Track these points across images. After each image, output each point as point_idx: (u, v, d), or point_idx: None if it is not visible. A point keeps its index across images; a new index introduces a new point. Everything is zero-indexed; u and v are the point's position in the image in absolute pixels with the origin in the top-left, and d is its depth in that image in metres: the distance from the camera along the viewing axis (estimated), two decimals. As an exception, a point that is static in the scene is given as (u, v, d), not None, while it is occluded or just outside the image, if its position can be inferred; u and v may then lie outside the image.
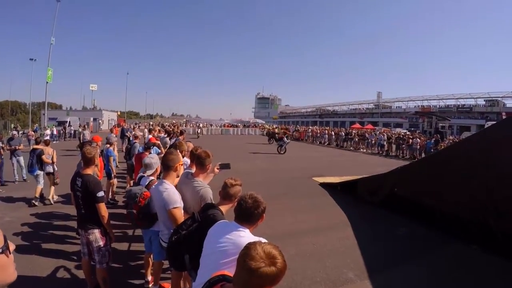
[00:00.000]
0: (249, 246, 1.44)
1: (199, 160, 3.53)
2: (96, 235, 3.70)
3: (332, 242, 6.11)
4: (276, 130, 31.67)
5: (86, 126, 30.11)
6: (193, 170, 3.80)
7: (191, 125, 56.16)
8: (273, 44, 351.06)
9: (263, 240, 1.85)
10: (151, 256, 4.25)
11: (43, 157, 7.90)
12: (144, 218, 3.70)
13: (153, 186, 3.36)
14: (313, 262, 5.16)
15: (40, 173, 8.10)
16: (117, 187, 8.78)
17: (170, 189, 3.21)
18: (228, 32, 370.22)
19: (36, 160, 7.97)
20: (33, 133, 21.90)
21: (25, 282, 3.96)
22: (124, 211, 7.20)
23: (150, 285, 4.24)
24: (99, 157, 7.05)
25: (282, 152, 21.11)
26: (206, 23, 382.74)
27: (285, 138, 21.71)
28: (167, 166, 3.36)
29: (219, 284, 1.60)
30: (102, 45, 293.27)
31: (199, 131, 40.94)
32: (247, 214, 2.20)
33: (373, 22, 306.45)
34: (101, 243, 3.72)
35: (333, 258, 5.40)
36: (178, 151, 3.69)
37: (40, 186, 8.04)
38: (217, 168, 4.19)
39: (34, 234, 5.96)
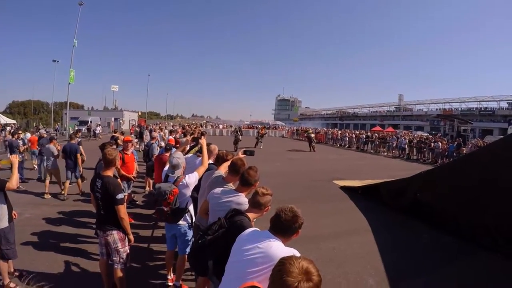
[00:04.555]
0: (285, 261, 1.41)
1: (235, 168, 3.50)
2: (114, 236, 3.70)
3: (353, 247, 5.98)
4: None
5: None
6: (222, 172, 3.81)
7: (211, 125, 56.65)
8: (294, 47, 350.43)
9: (297, 254, 1.79)
10: (173, 253, 4.27)
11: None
12: (173, 213, 3.77)
13: (230, 198, 3.15)
14: (333, 268, 5.04)
15: None
16: (135, 187, 8.83)
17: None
18: (249, 35, 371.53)
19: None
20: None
21: (42, 278, 3.99)
22: (143, 211, 7.36)
23: (171, 283, 4.25)
24: (134, 156, 7.44)
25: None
26: (227, 25, 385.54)
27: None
28: (247, 183, 3.17)
29: None
30: (124, 47, 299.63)
31: (239, 136, 24.68)
32: (285, 227, 2.12)
33: (395, 28, 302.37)
34: (120, 244, 3.72)
35: (353, 264, 5.28)
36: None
37: None
38: (242, 154, 4.20)
39: (53, 231, 6.04)
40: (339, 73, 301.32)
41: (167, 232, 4.22)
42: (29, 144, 12.33)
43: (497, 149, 6.50)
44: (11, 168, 3.92)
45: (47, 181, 8.66)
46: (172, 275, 4.32)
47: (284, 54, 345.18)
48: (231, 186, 3.41)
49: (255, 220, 2.76)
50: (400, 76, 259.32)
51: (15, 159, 3.97)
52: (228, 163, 3.80)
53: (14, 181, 3.80)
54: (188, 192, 3.94)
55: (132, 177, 7.11)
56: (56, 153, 8.87)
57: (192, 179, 3.90)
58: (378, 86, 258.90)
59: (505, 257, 5.54)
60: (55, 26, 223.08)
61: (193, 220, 4.08)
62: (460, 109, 66.75)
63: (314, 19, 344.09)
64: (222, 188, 3.30)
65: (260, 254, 1.99)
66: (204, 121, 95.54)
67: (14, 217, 4.11)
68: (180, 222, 3.95)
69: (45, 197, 8.29)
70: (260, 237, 2.11)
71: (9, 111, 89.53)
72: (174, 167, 3.91)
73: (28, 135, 13.98)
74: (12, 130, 22.55)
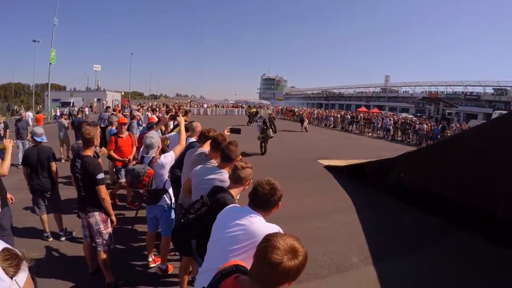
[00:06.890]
0: (270, 238, 1.35)
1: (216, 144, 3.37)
2: (96, 218, 3.63)
3: (337, 226, 6.05)
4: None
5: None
6: (205, 150, 3.71)
7: (196, 104, 56.54)
8: (280, 25, 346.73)
9: (280, 230, 1.75)
10: (154, 235, 4.25)
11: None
12: (150, 195, 3.69)
13: (213, 175, 3.06)
14: (317, 246, 5.08)
15: None
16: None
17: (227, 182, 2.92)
18: (234, 13, 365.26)
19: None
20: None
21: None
22: (125, 192, 7.22)
23: (152, 265, 4.22)
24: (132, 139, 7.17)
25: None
26: (212, 3, 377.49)
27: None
28: (228, 158, 3.07)
29: (232, 275, 1.50)
30: (106, 26, 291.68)
31: (269, 131, 13.96)
32: (263, 200, 2.06)
33: (383, 6, 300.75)
34: (102, 226, 3.66)
35: (337, 243, 5.35)
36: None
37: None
38: (228, 132, 4.12)
39: (35, 216, 5.85)
40: (325, 51, 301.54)
41: (148, 213, 4.16)
42: (35, 122, 13.06)
43: (481, 131, 6.58)
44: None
45: (62, 148, 10.90)
46: (153, 256, 4.29)
47: (270, 31, 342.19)
48: (213, 162, 3.33)
49: (238, 196, 2.72)
50: (386, 55, 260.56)
51: (9, 144, 3.77)
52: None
53: (5, 167, 3.60)
54: (165, 172, 3.84)
55: (126, 161, 6.77)
56: (66, 125, 11.04)
57: (168, 158, 3.81)
58: (364, 66, 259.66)
59: (486, 239, 5.63)
60: (35, 4, 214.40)
61: (173, 201, 4.02)
62: (445, 93, 67.20)
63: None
64: (204, 165, 3.23)
65: (242, 231, 1.94)
66: (189, 100, 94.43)
67: (10, 201, 3.92)
68: (159, 203, 3.88)
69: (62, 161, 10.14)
70: (240, 213, 2.06)
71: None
72: (148, 147, 3.82)
73: (30, 114, 13.77)
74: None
